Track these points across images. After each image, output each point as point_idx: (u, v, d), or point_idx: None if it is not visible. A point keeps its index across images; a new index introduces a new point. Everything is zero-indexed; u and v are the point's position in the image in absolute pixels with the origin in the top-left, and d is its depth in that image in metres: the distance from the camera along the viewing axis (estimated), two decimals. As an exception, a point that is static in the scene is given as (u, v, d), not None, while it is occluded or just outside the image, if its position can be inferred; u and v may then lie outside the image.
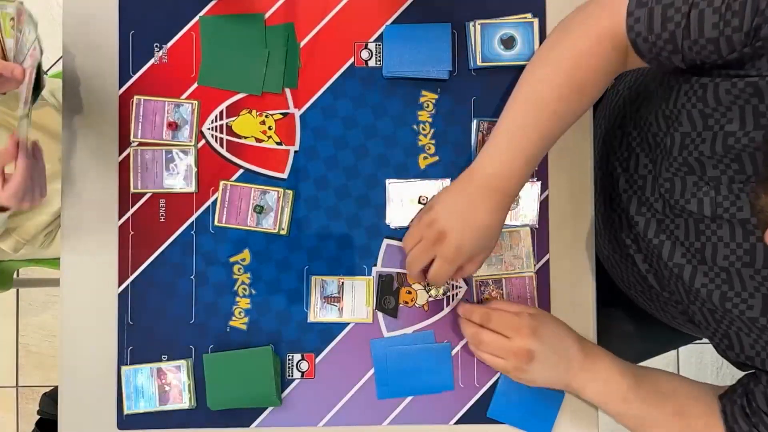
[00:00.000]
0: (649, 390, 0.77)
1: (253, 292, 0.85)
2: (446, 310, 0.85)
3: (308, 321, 0.85)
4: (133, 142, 0.85)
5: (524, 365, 0.77)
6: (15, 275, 1.32)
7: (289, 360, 0.84)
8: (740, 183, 0.66)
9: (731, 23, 0.60)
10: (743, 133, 0.63)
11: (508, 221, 0.85)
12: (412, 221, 0.83)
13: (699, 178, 0.70)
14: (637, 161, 0.80)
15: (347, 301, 0.85)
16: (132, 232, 0.85)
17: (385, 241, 0.85)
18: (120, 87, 0.86)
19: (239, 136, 0.86)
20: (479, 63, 0.85)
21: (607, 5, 0.71)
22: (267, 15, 0.86)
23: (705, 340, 0.84)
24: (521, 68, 0.85)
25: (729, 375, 1.84)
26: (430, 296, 0.85)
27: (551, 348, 0.78)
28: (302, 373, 0.84)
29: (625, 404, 0.77)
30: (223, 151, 0.86)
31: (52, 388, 1.18)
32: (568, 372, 0.78)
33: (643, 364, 0.83)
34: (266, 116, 0.86)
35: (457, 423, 0.84)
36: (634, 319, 1.02)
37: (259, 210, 0.84)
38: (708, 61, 0.65)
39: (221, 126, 0.86)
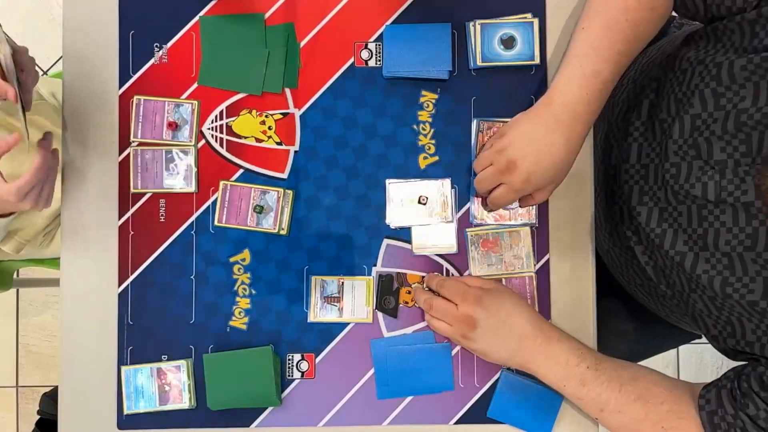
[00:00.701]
0: (609, 374, 0.77)
1: (253, 292, 0.85)
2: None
3: (308, 321, 0.85)
4: (133, 142, 0.85)
5: (468, 332, 0.79)
6: (15, 275, 1.32)
7: (289, 360, 0.84)
8: (746, 166, 0.67)
9: None
10: (756, 109, 0.65)
11: (507, 221, 0.85)
12: (483, 146, 0.83)
13: (705, 162, 0.70)
14: (640, 151, 0.80)
15: (347, 301, 0.85)
16: (132, 232, 0.85)
17: (385, 241, 0.85)
18: (120, 87, 0.86)
19: (239, 136, 0.86)
20: (479, 63, 0.85)
21: None
22: (267, 15, 0.86)
23: (704, 340, 0.83)
24: (521, 68, 0.85)
25: (729, 375, 1.83)
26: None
27: (497, 319, 0.78)
28: (302, 373, 0.84)
29: (583, 387, 0.76)
30: (223, 151, 0.86)
31: (52, 388, 1.18)
32: (521, 349, 0.79)
33: (640, 363, 0.83)
34: (266, 116, 0.86)
35: (457, 423, 0.84)
36: (632, 318, 1.02)
37: (259, 210, 0.84)
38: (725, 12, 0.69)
39: (221, 126, 0.86)
